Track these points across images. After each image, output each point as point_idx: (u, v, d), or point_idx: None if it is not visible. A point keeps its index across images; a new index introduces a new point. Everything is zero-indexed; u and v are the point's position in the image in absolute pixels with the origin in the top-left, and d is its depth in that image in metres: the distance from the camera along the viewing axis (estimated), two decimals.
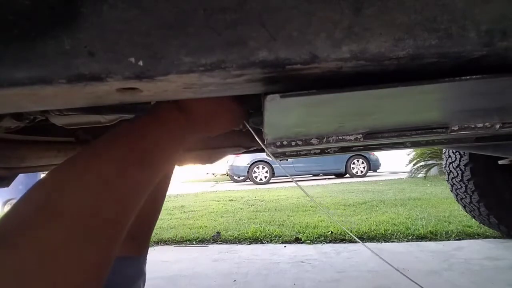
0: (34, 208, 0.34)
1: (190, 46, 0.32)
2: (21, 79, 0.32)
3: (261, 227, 3.27)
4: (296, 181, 0.74)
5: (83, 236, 0.33)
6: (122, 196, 0.39)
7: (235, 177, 10.37)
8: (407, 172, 8.63)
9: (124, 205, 0.39)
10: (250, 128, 0.65)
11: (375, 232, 2.81)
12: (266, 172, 9.33)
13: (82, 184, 0.36)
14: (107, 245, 0.36)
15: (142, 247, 0.75)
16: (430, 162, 7.81)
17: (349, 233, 0.83)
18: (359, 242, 0.72)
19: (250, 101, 0.63)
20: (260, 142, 0.65)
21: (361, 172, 9.70)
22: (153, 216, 0.78)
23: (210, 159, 1.40)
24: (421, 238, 2.65)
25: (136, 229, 0.64)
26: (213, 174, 15.17)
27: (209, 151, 1.32)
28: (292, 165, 8.96)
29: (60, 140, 1.13)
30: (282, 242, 2.80)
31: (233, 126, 0.61)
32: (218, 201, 5.75)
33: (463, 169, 2.24)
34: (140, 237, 0.74)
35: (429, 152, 7.53)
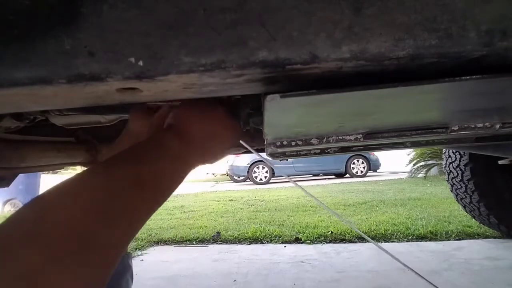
0: (19, 229, 0.33)
1: (190, 46, 0.32)
2: (21, 79, 0.32)
3: (261, 227, 3.27)
4: (295, 181, 0.74)
5: (67, 261, 0.32)
6: (114, 223, 0.38)
7: (235, 177, 10.37)
8: (407, 172, 8.63)
9: (117, 231, 0.38)
10: (247, 146, 0.64)
11: (375, 232, 2.81)
12: (266, 172, 9.33)
13: (71, 208, 0.35)
14: (95, 270, 0.35)
15: None
16: (430, 162, 7.81)
17: (361, 233, 0.82)
18: (373, 242, 0.72)
19: (246, 119, 0.63)
20: (254, 152, 0.65)
21: (361, 172, 9.70)
22: None
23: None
24: (421, 238, 2.65)
25: None
26: (213, 174, 15.17)
27: None
28: (292, 165, 8.96)
29: (60, 140, 1.13)
30: (282, 242, 2.80)
31: (233, 145, 0.61)
32: (218, 201, 5.75)
33: (463, 169, 2.24)
34: None
35: (429, 152, 7.52)
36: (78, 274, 0.33)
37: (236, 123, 0.59)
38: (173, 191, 0.48)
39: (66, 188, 0.39)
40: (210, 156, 0.56)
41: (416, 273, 0.79)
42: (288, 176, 0.85)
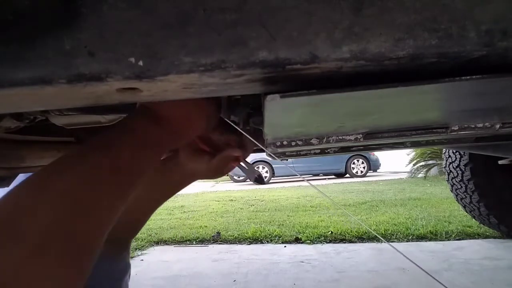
0: None
1: (190, 46, 0.32)
2: (21, 79, 0.32)
3: (261, 227, 3.27)
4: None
5: (48, 257, 0.31)
6: (90, 211, 0.37)
7: (235, 177, 10.37)
8: (407, 172, 8.63)
9: (94, 221, 0.37)
10: (241, 130, 0.64)
11: (375, 232, 2.81)
12: (266, 172, 9.32)
13: (47, 199, 0.34)
14: (77, 263, 0.34)
15: (127, 245, 0.73)
16: (430, 162, 7.81)
17: (372, 231, 0.83)
18: (384, 242, 0.72)
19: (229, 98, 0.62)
20: (258, 144, 0.65)
21: (361, 172, 9.70)
22: (142, 221, 0.75)
23: None
24: (421, 238, 2.65)
25: (123, 229, 0.64)
26: None
27: None
28: (292, 165, 8.96)
29: (60, 140, 1.13)
30: (282, 242, 2.80)
31: (209, 126, 0.60)
32: (218, 201, 5.75)
33: (463, 169, 2.24)
34: (126, 237, 0.72)
35: (429, 152, 7.53)
36: (57, 271, 0.32)
37: (210, 102, 0.57)
38: (148, 174, 0.47)
39: (40, 178, 0.37)
40: (184, 136, 0.54)
41: (435, 279, 0.78)
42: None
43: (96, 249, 0.37)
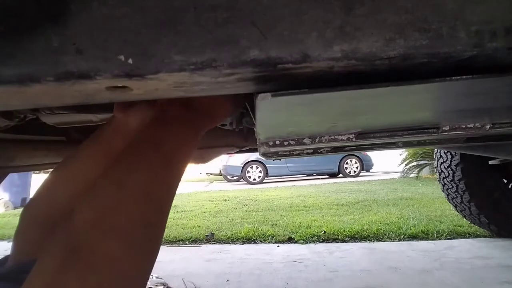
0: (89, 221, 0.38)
1: (181, 44, 0.31)
2: (8, 77, 0.31)
3: (254, 227, 3.26)
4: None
5: (136, 245, 0.39)
6: (158, 199, 0.43)
7: (229, 177, 10.34)
8: (400, 172, 8.69)
9: (164, 212, 0.45)
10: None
11: (367, 231, 2.83)
12: (260, 172, 9.32)
13: (129, 200, 0.41)
14: (155, 247, 0.44)
15: None
16: (422, 162, 7.87)
17: None
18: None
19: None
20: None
21: (354, 172, 9.74)
22: None
23: (204, 159, 1.40)
24: (413, 237, 2.67)
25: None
26: (207, 174, 15.14)
27: (202, 150, 1.31)
28: (285, 165, 8.97)
29: (51, 139, 1.12)
30: (275, 242, 2.80)
31: (234, 110, 0.65)
32: (212, 201, 5.73)
33: (454, 169, 2.26)
34: None
35: (421, 152, 7.59)
36: (143, 254, 0.40)
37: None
38: (190, 156, 0.52)
39: (111, 179, 0.43)
40: (215, 118, 0.61)
41: None
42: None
43: (160, 230, 0.45)
